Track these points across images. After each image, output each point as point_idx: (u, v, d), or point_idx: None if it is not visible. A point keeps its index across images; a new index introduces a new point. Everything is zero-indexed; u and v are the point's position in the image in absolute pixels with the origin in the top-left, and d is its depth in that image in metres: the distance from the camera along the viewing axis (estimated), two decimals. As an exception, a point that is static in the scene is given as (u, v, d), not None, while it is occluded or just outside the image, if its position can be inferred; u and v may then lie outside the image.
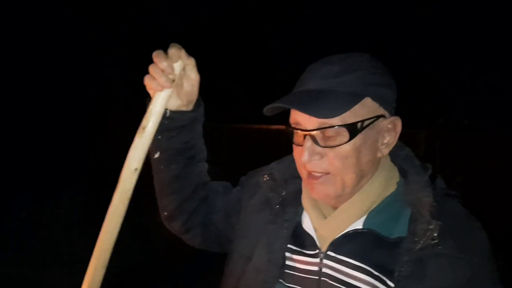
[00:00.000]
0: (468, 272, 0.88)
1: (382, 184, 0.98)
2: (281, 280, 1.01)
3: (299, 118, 0.94)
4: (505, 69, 8.98)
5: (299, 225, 1.05)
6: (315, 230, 1.01)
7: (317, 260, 0.98)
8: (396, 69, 1.03)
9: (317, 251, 0.99)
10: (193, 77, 1.00)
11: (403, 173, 1.01)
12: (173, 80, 0.95)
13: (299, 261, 1.01)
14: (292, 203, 1.07)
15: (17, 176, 6.92)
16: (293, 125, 0.97)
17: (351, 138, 0.90)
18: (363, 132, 0.91)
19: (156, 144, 1.05)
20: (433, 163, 1.02)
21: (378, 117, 0.93)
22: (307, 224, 1.03)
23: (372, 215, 0.96)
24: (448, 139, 6.06)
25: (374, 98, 0.92)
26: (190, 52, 0.97)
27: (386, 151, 0.97)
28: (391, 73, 0.97)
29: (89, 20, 9.99)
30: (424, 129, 6.05)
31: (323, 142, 0.92)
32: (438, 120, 8.59)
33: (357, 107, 0.89)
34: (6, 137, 8.57)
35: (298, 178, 1.04)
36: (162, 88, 0.94)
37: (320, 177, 0.94)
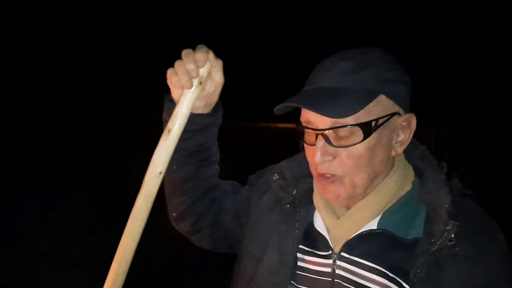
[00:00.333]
0: (486, 273, 0.85)
1: (398, 183, 0.95)
2: (292, 282, 0.98)
3: (311, 117, 0.91)
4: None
5: (311, 225, 1.02)
6: (328, 230, 0.98)
7: (330, 261, 0.96)
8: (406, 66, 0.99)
9: (330, 252, 0.96)
10: (217, 79, 0.98)
11: (418, 171, 0.98)
12: (200, 83, 0.92)
13: (311, 262, 0.98)
14: (304, 202, 1.04)
15: (25, 175, 6.96)
16: (304, 124, 0.94)
17: (365, 138, 0.87)
18: (378, 130, 0.88)
19: None
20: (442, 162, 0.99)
21: (392, 114, 0.89)
22: (320, 224, 1.01)
23: (387, 215, 0.94)
24: (458, 138, 6.00)
25: (389, 95, 0.89)
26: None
27: (400, 149, 0.94)
28: (405, 68, 0.94)
29: (82, 23, 10.01)
30: (434, 127, 6.00)
31: (336, 141, 0.89)
32: (448, 118, 8.51)
33: (371, 105, 0.86)
34: (15, 137, 8.64)
35: (309, 177, 1.01)
36: (182, 87, 0.92)
37: (329, 178, 0.92)
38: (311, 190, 1.04)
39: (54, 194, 5.25)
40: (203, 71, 0.92)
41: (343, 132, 0.87)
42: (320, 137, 0.89)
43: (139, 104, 9.56)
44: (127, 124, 9.66)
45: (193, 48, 0.93)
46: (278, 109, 0.94)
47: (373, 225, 0.93)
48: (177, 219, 1.18)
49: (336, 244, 0.96)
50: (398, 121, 0.91)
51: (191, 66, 0.90)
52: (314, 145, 0.91)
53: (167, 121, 1.01)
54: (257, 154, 7.38)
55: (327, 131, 0.88)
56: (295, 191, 1.05)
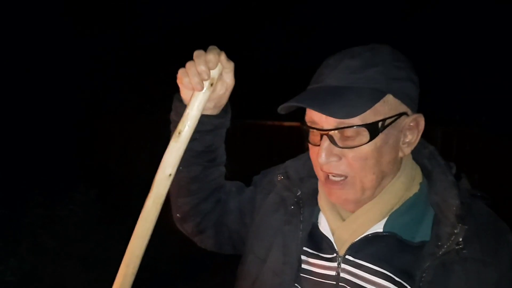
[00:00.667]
0: (495, 276, 0.83)
1: (405, 184, 0.92)
2: (296, 285, 0.97)
3: (316, 117, 0.89)
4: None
5: (315, 226, 1.00)
6: (333, 232, 0.96)
7: (334, 264, 0.94)
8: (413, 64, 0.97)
9: (335, 254, 0.94)
10: (228, 81, 0.96)
11: (426, 172, 0.96)
12: (211, 84, 0.92)
13: (315, 265, 0.96)
14: (308, 203, 1.02)
15: (31, 172, 7.00)
16: (308, 124, 0.92)
17: (371, 139, 0.84)
18: (384, 131, 0.86)
19: None
20: (449, 160, 0.97)
21: (400, 115, 0.87)
22: (324, 226, 0.99)
23: (394, 217, 0.91)
24: (465, 136, 5.96)
25: (396, 95, 0.86)
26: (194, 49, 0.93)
27: (407, 150, 0.91)
28: (414, 66, 0.91)
29: (81, 24, 10.04)
30: (441, 125, 5.97)
31: (341, 142, 0.87)
32: (455, 116, 8.45)
33: (378, 105, 0.84)
34: (21, 135, 8.69)
35: (315, 177, 0.99)
36: (192, 88, 0.91)
37: (339, 182, 0.89)
38: (316, 191, 1.02)
39: (60, 191, 5.26)
40: (214, 72, 0.91)
41: (349, 132, 0.85)
42: (325, 137, 0.87)
43: (145, 102, 9.58)
44: (133, 123, 9.69)
45: (198, 48, 0.92)
46: (282, 108, 0.92)
47: (379, 227, 0.91)
48: (181, 219, 1.17)
49: (341, 247, 0.94)
50: (406, 121, 0.89)
51: (202, 68, 0.89)
52: (318, 145, 0.89)
53: (174, 121, 1.01)
54: (263, 153, 7.38)
55: (333, 131, 0.86)
56: (299, 192, 1.03)
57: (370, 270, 0.89)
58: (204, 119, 0.99)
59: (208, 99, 0.94)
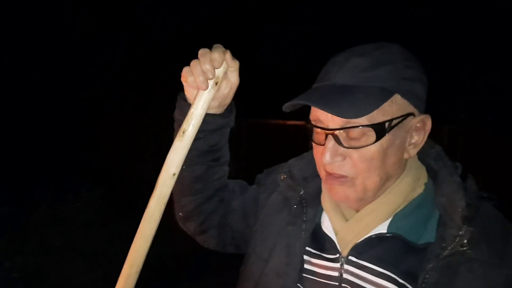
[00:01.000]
0: (501, 278, 0.81)
1: (410, 185, 0.91)
2: (299, 285, 0.96)
3: (321, 116, 0.87)
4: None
5: (318, 226, 0.99)
6: (336, 233, 0.95)
7: (337, 265, 0.92)
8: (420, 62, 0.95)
9: (338, 255, 0.93)
10: (233, 80, 0.96)
11: (432, 173, 0.94)
12: (216, 83, 0.91)
13: (318, 266, 0.95)
14: (311, 203, 1.01)
15: (37, 170, 7.03)
16: (313, 122, 0.90)
17: (378, 139, 0.83)
18: (391, 132, 0.84)
19: None
20: (455, 160, 0.95)
21: (407, 115, 0.85)
22: (327, 226, 0.97)
23: (398, 218, 0.90)
24: (471, 135, 5.93)
25: (404, 95, 0.84)
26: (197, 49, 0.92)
27: (413, 152, 0.90)
28: (423, 66, 0.89)
29: (84, 22, 10.08)
30: (447, 124, 5.94)
31: (346, 142, 0.85)
32: (461, 115, 8.41)
33: (386, 105, 0.82)
34: (28, 133, 8.74)
35: (319, 177, 0.98)
36: (197, 87, 0.90)
37: (339, 177, 0.88)
38: (319, 191, 1.01)
39: (66, 190, 5.29)
40: (219, 71, 0.90)
41: (354, 132, 0.83)
42: (330, 137, 0.85)
43: (150, 101, 9.61)
44: (138, 121, 9.72)
45: (203, 47, 0.91)
46: (288, 106, 0.90)
47: (383, 228, 0.90)
48: (184, 218, 1.16)
49: (344, 248, 0.92)
50: (413, 122, 0.87)
51: (207, 67, 0.88)
52: (323, 145, 0.87)
53: (178, 119, 1.00)
54: (268, 151, 7.37)
55: (338, 131, 0.84)
56: (303, 191, 1.02)
57: (374, 272, 0.88)
58: (208, 118, 0.98)
59: (213, 98, 0.93)
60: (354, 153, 0.85)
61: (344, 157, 0.86)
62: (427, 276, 0.82)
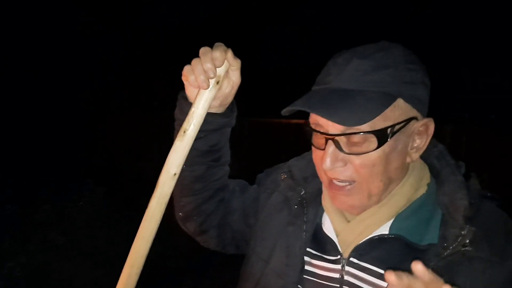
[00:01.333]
0: (502, 276, 0.80)
1: (413, 186, 0.90)
2: (299, 286, 0.94)
3: (321, 120, 0.85)
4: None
5: (319, 227, 0.98)
6: (337, 234, 0.94)
7: (338, 266, 0.91)
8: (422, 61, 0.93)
9: (339, 256, 0.92)
10: (234, 79, 0.94)
11: (434, 172, 0.93)
12: (217, 82, 0.89)
13: (319, 267, 0.94)
14: (312, 203, 0.99)
15: (40, 170, 7.05)
16: (313, 126, 0.88)
17: (379, 145, 0.81)
18: (393, 137, 0.82)
19: None
20: (458, 159, 0.94)
21: (410, 119, 0.83)
22: (328, 227, 0.96)
23: (400, 219, 0.88)
24: (474, 134, 5.91)
25: (407, 99, 0.82)
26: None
27: (415, 156, 0.88)
28: (426, 68, 0.87)
29: (84, 22, 10.09)
30: (449, 124, 5.92)
31: (347, 148, 0.83)
32: (464, 114, 8.38)
33: (388, 110, 0.80)
34: (31, 133, 8.76)
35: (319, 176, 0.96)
36: (198, 86, 0.88)
37: (344, 187, 0.86)
38: (320, 191, 1.00)
39: (69, 189, 5.31)
40: (220, 70, 0.89)
41: (356, 138, 0.81)
42: (330, 142, 0.83)
43: (153, 100, 9.62)
44: (141, 121, 9.73)
45: (204, 45, 0.90)
46: (286, 111, 0.89)
47: (384, 229, 0.89)
48: (184, 218, 1.15)
49: (346, 249, 0.91)
50: (416, 126, 0.85)
51: (208, 65, 0.86)
52: (323, 149, 0.85)
53: (179, 119, 0.99)
54: (269, 151, 7.37)
55: (339, 136, 0.82)
56: (303, 191, 1.01)
57: (375, 273, 0.87)
58: (209, 118, 0.96)
59: (214, 97, 0.92)
60: (355, 159, 0.83)
61: (345, 163, 0.84)
62: None
